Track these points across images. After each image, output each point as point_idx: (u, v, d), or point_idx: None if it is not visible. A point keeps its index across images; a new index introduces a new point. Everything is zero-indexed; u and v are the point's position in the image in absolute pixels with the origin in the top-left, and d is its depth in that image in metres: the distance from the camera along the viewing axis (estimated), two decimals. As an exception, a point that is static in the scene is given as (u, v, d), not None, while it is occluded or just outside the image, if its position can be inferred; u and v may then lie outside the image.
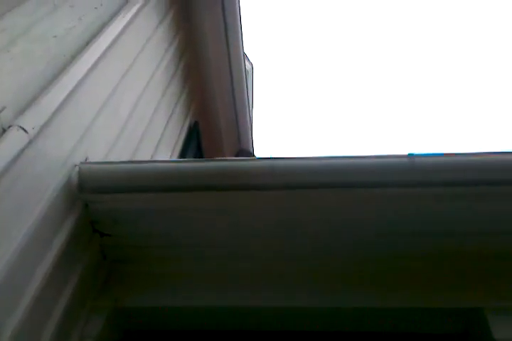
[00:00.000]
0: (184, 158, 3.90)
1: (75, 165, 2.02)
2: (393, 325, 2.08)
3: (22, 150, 1.61)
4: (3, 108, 1.63)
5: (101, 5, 2.43)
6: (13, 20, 2.25)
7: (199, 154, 4.41)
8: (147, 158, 3.03)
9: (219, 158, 2.05)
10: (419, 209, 2.02)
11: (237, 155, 4.89)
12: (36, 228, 1.73)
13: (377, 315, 2.05)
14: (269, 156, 2.01)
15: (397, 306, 2.01)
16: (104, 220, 2.12)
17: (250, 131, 5.22)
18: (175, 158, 3.68)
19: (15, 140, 1.59)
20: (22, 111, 1.70)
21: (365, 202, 2.01)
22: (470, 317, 1.96)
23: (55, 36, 2.04)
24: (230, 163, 2.03)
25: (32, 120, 1.68)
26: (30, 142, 1.65)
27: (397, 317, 2.06)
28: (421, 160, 1.97)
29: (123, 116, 2.62)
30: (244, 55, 5.09)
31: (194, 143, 4.22)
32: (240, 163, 2.03)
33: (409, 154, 1.98)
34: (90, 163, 2.09)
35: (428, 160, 1.97)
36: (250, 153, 4.96)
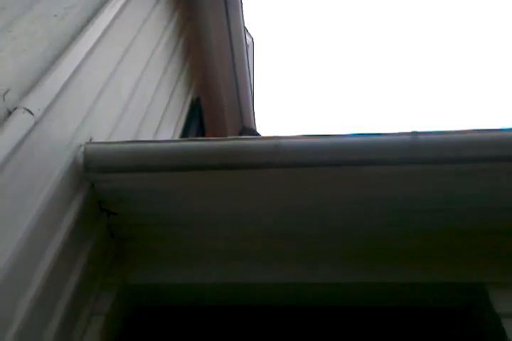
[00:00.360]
0: (187, 134, 3.91)
1: (80, 146, 2.04)
2: (397, 300, 2.13)
3: (29, 132, 1.63)
4: (8, 90, 1.63)
5: (99, -17, 2.40)
6: (10, -1, 2.23)
7: (201, 130, 4.42)
8: (150, 135, 3.05)
9: (222, 138, 2.06)
10: (423, 186, 2.04)
11: (240, 134, 4.90)
12: (45, 208, 1.76)
13: (382, 289, 2.10)
14: (273, 135, 2.02)
15: (400, 281, 2.06)
16: (110, 199, 2.15)
17: (252, 106, 5.21)
18: (177, 134, 3.69)
19: (21, 122, 1.60)
20: (26, 92, 1.70)
21: (369, 180, 2.03)
22: (472, 291, 2.01)
23: (55, 15, 2.02)
24: (233, 142, 2.04)
25: (37, 102, 1.69)
26: (36, 124, 1.66)
27: (400, 292, 2.11)
28: (425, 137, 1.98)
29: (125, 95, 2.63)
30: (245, 28, 5.05)
31: (196, 119, 4.23)
32: (244, 141, 2.04)
33: (412, 131, 1.99)
34: (95, 142, 2.10)
35: (431, 137, 1.98)
36: (253, 131, 4.96)
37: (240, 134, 4.88)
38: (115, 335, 2.01)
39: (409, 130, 2.01)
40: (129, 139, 2.65)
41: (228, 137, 2.13)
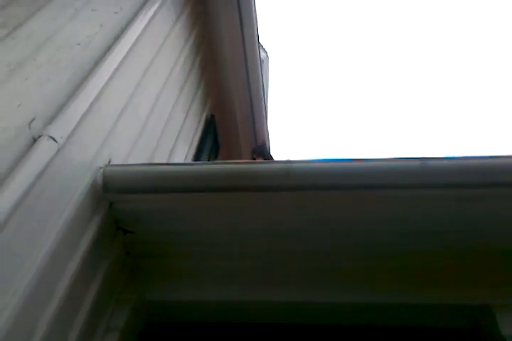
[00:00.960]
0: (201, 150, 4.01)
1: (100, 168, 2.14)
2: (405, 320, 2.19)
3: (52, 159, 1.73)
4: (34, 118, 1.74)
5: (121, 9, 2.52)
6: (37, 25, 2.35)
7: (215, 146, 4.52)
8: (166, 153, 3.15)
9: (233, 161, 2.16)
10: (431, 209, 2.11)
11: (253, 152, 4.99)
12: (67, 227, 1.86)
13: (391, 310, 2.17)
14: (284, 159, 2.10)
15: (408, 302, 2.12)
16: (127, 218, 2.25)
17: (265, 121, 5.30)
18: (192, 150, 3.79)
19: (46, 149, 1.70)
20: (50, 120, 1.81)
21: (377, 203, 2.10)
22: (479, 313, 2.06)
23: (78, 44, 2.13)
24: (242, 165, 2.14)
25: (60, 129, 1.79)
26: (58, 150, 1.76)
27: (409, 313, 2.17)
28: (432, 163, 2.05)
29: (142, 115, 2.73)
30: (259, 44, 5.15)
31: (211, 136, 4.33)
32: (255, 165, 2.13)
33: (421, 158, 2.07)
34: (113, 165, 2.20)
35: (438, 163, 2.05)
36: (266, 148, 5.05)
37: (253, 151, 4.97)
38: (129, 350, 2.10)
39: (418, 155, 2.10)
40: (146, 158, 2.76)
41: (239, 161, 2.21)
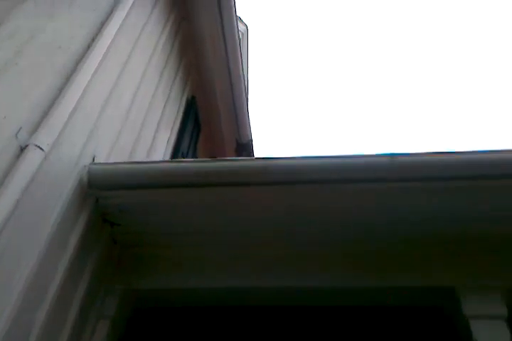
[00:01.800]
0: (183, 132, 4.09)
1: (85, 166, 2.24)
2: (375, 300, 2.37)
3: (40, 166, 1.83)
4: (20, 128, 1.82)
5: (99, 5, 2.55)
6: (18, 23, 2.39)
7: (197, 128, 4.59)
8: (149, 141, 3.24)
9: (209, 159, 2.30)
10: (399, 201, 2.27)
11: (236, 150, 5.13)
12: (57, 226, 1.99)
13: (362, 292, 2.35)
14: (263, 156, 2.24)
15: (378, 285, 2.30)
16: (113, 212, 2.38)
17: (246, 100, 5.34)
18: (174, 135, 3.87)
19: (33, 158, 1.80)
20: (35, 128, 1.90)
21: (350, 196, 2.25)
22: (444, 294, 2.24)
23: (59, 47, 2.19)
24: (218, 163, 2.27)
25: (45, 137, 1.89)
26: (45, 157, 1.86)
27: (378, 294, 2.35)
28: (401, 159, 2.19)
29: (124, 107, 2.81)
30: (238, 18, 5.14)
31: (192, 118, 4.40)
32: (233, 163, 2.26)
33: (390, 153, 2.20)
34: (97, 163, 2.31)
35: (406, 159, 2.19)
36: (249, 146, 5.17)
37: (236, 151, 5.12)
38: (120, 336, 2.26)
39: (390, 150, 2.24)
40: (129, 149, 2.87)
41: (215, 158, 2.34)
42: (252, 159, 2.55)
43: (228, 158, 2.69)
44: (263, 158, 2.29)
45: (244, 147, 5.33)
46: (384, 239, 2.36)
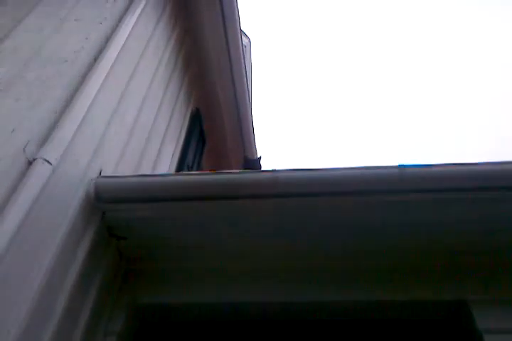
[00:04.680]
0: (188, 145, 4.08)
1: (91, 179, 2.23)
2: (387, 314, 2.33)
3: (48, 180, 1.81)
4: (28, 142, 1.81)
5: (105, 19, 2.56)
6: (23, 37, 2.40)
7: (201, 139, 4.59)
8: (154, 154, 3.22)
9: (218, 172, 2.27)
10: (408, 213, 2.24)
11: (244, 165, 5.13)
12: (64, 241, 1.96)
13: (373, 305, 2.30)
14: (271, 169, 2.22)
15: (390, 299, 2.26)
16: (119, 226, 2.36)
17: (250, 110, 5.36)
18: (179, 148, 3.86)
19: (41, 172, 1.78)
20: (43, 141, 1.88)
21: (360, 208, 2.23)
22: (456, 308, 2.20)
23: (66, 61, 2.19)
24: (226, 175, 2.25)
25: (53, 150, 1.87)
26: (53, 171, 1.84)
27: (390, 308, 2.31)
28: (410, 170, 2.17)
29: (130, 120, 2.80)
30: (241, 31, 5.17)
31: (197, 130, 4.40)
32: (235, 175, 2.25)
33: (399, 165, 2.19)
34: (104, 176, 2.29)
35: (415, 170, 2.17)
36: (255, 161, 5.18)
37: (244, 163, 5.11)
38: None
39: (397, 162, 2.23)
40: (135, 162, 2.86)
41: (223, 171, 2.32)
42: (260, 171, 2.53)
43: (235, 170, 2.65)
44: (271, 171, 2.27)
45: (252, 163, 5.34)
46: (395, 251, 2.34)
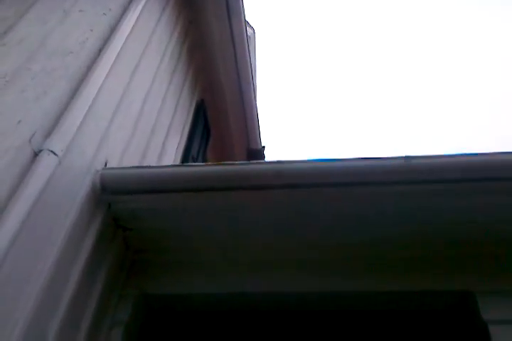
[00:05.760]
0: (193, 136, 4.08)
1: (97, 171, 2.23)
2: (392, 305, 2.34)
3: (54, 171, 1.82)
4: (34, 133, 1.82)
5: (109, 10, 2.55)
6: (27, 29, 2.39)
7: (206, 130, 4.58)
8: (159, 145, 3.23)
9: (219, 163, 2.28)
10: (415, 203, 2.24)
11: (248, 153, 5.12)
12: (71, 232, 1.98)
13: (379, 296, 2.31)
14: (276, 160, 2.21)
15: (396, 289, 2.26)
16: (126, 217, 2.37)
17: (254, 101, 5.33)
18: (184, 139, 3.86)
19: (47, 163, 1.79)
20: (49, 133, 1.89)
21: (366, 199, 2.23)
22: (462, 298, 2.21)
23: (71, 52, 2.18)
24: (228, 167, 2.26)
25: (59, 142, 1.88)
26: (59, 162, 1.85)
27: (396, 298, 2.32)
28: (416, 161, 2.17)
29: (135, 112, 2.80)
30: (246, 22, 5.13)
31: (201, 122, 4.39)
32: (243, 166, 2.25)
33: (405, 156, 2.18)
34: (110, 168, 2.30)
35: (421, 161, 2.17)
36: (259, 151, 5.16)
37: (248, 153, 5.11)
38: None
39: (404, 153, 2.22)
40: (140, 153, 2.86)
41: (225, 162, 2.33)
42: (265, 163, 2.53)
43: (241, 161, 2.64)
44: (275, 162, 2.27)
45: (255, 153, 5.33)
46: (401, 242, 2.34)
